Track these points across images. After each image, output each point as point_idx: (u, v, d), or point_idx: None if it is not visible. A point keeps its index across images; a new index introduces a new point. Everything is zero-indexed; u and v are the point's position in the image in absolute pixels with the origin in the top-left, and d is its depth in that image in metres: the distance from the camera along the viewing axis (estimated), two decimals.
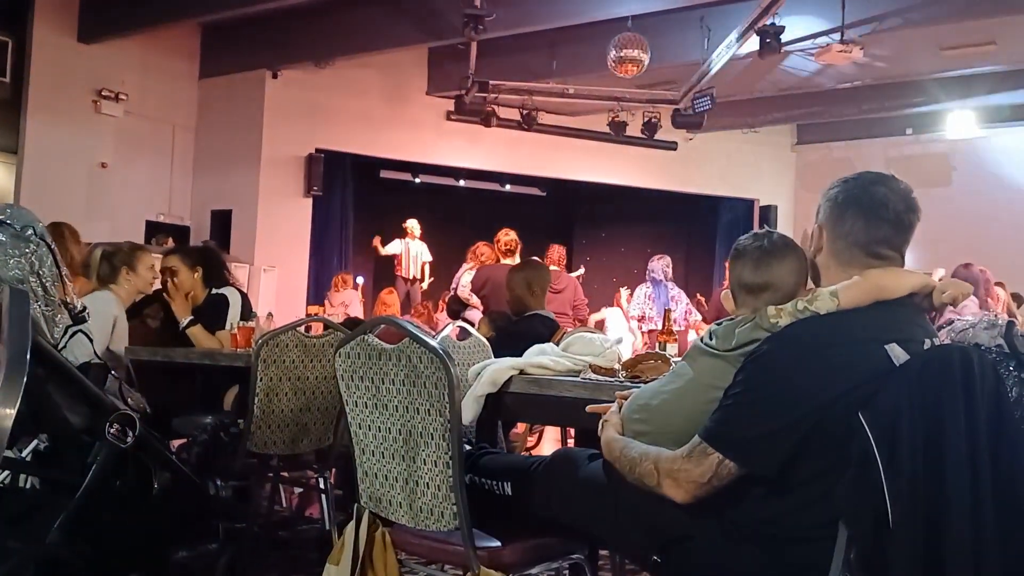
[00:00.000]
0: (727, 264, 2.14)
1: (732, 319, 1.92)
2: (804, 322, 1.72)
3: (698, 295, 10.65)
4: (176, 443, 3.47)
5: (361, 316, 8.99)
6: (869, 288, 1.72)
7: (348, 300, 10.11)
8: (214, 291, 4.32)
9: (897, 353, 1.61)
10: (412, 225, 11.51)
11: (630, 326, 9.29)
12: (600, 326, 9.23)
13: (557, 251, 8.20)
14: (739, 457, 1.66)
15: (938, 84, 10.45)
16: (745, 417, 1.67)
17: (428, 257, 11.63)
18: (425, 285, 11.63)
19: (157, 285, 4.34)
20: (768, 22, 7.78)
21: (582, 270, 11.27)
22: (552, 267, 7.73)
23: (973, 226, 11.10)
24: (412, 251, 11.49)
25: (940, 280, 1.83)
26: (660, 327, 4.97)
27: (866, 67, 8.58)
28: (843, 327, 1.69)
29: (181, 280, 4.17)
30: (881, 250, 1.77)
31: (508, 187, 13.78)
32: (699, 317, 9.31)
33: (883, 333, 1.65)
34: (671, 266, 9.04)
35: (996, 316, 1.79)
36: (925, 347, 1.67)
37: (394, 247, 11.54)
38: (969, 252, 9.54)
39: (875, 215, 1.77)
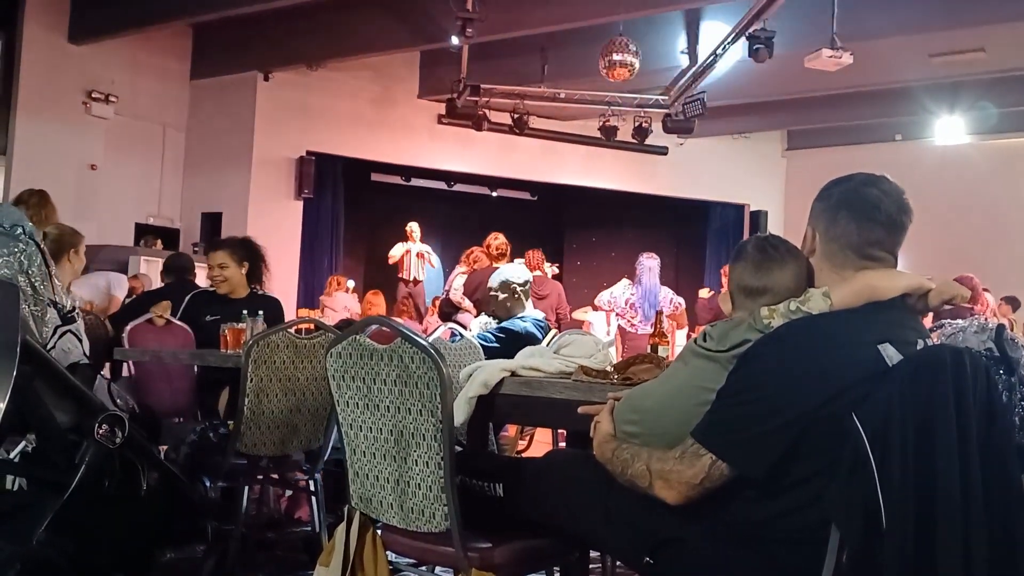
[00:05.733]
0: (725, 269, 2.13)
1: (727, 320, 1.92)
2: (796, 322, 1.72)
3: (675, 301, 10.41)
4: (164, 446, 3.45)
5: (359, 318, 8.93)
6: (861, 289, 1.72)
7: (349, 303, 10.06)
8: (259, 292, 4.28)
9: (890, 353, 1.61)
10: (413, 228, 11.49)
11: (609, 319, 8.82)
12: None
13: (534, 256, 7.94)
14: (731, 458, 1.66)
15: (927, 91, 10.51)
16: (737, 418, 1.67)
17: (436, 263, 11.52)
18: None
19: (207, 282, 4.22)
20: (758, 28, 7.81)
21: (556, 268, 10.77)
22: (534, 272, 7.67)
23: (960, 232, 11.16)
24: (413, 253, 11.45)
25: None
26: (652, 329, 4.88)
27: (855, 73, 8.60)
28: (835, 327, 1.69)
29: (230, 275, 4.12)
30: (874, 252, 1.77)
31: (499, 191, 13.79)
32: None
33: (875, 334, 1.65)
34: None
35: (986, 320, 1.79)
36: (918, 348, 1.67)
37: (397, 250, 11.48)
38: (956, 258, 9.60)
39: (867, 217, 1.77)
